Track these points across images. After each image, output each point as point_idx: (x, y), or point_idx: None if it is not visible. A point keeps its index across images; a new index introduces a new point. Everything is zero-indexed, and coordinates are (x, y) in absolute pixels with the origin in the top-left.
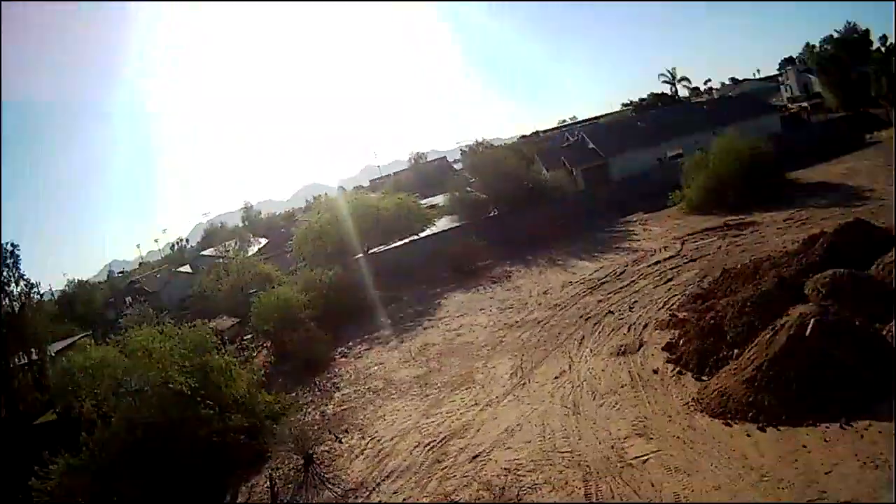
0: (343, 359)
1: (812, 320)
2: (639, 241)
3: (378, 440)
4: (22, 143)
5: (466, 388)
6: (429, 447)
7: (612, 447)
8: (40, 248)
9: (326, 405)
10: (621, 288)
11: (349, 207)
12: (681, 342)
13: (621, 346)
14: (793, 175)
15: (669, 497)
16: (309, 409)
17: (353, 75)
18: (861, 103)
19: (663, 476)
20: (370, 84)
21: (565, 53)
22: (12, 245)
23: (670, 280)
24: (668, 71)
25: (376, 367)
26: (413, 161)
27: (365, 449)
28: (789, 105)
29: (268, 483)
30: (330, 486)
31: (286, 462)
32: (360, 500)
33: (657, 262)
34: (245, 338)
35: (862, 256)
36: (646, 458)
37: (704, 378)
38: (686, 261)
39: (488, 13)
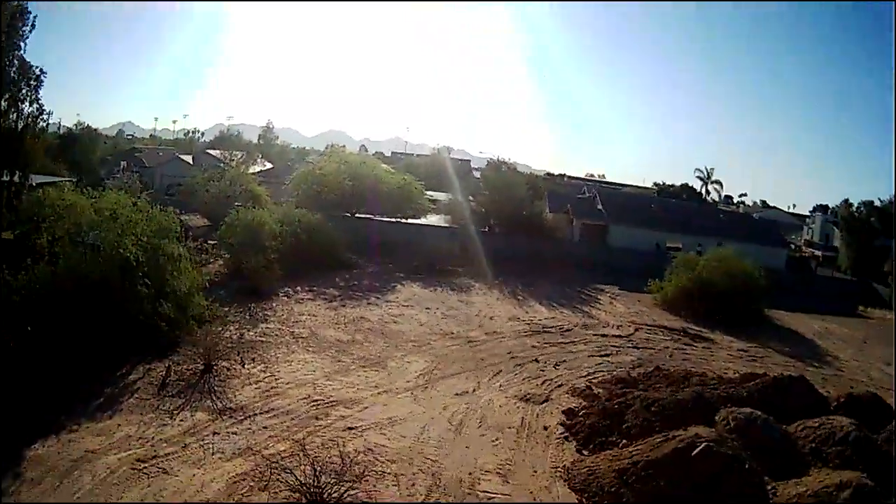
0: (285, 297)
1: (704, 444)
2: (600, 311)
3: (276, 378)
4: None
5: (375, 370)
6: (315, 403)
7: (470, 474)
8: (69, 82)
9: (249, 331)
10: (560, 343)
11: (356, 167)
12: (581, 412)
13: (529, 393)
14: (772, 313)
15: None
16: (232, 328)
17: (417, 54)
18: (871, 275)
19: None
20: (429, 69)
21: (625, 116)
22: (40, 70)
23: (607, 356)
24: (705, 169)
25: (308, 318)
26: (436, 152)
27: (260, 381)
28: (803, 248)
29: (164, 372)
30: (213, 397)
31: (189, 362)
32: (229, 420)
33: (604, 336)
34: (209, 242)
35: (789, 412)
36: (493, 497)
37: (585, 452)
38: (630, 346)
39: (567, 53)
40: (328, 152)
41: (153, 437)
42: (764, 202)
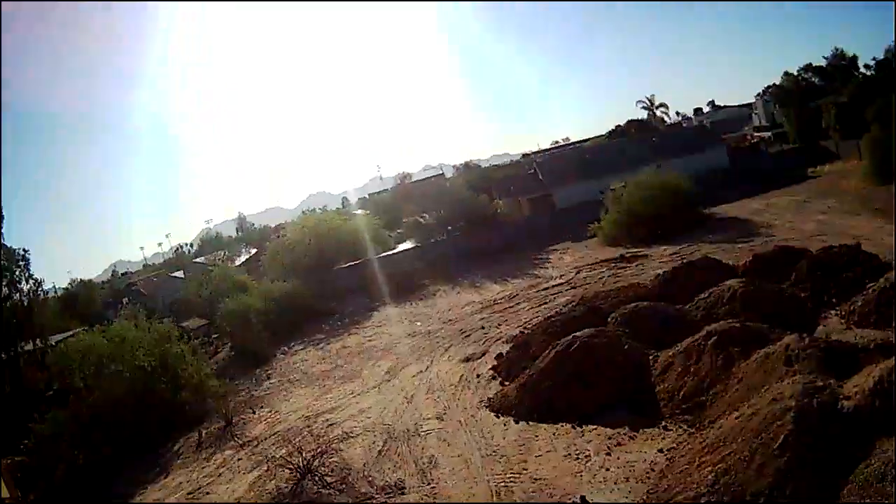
0: (282, 356)
1: (578, 341)
2: (547, 268)
3: (279, 412)
4: (38, 146)
5: (352, 381)
6: (307, 418)
7: (416, 424)
8: (51, 244)
9: (255, 389)
10: (505, 308)
11: (314, 227)
12: (506, 354)
13: (470, 354)
14: (714, 209)
15: (421, 453)
16: (242, 391)
17: (369, 87)
18: (815, 135)
19: (432, 443)
20: (385, 96)
21: (566, 74)
22: (24, 250)
23: (545, 304)
24: (647, 98)
25: (300, 363)
26: (400, 181)
27: (268, 418)
28: (751, 135)
29: (198, 436)
30: (235, 439)
31: (214, 424)
32: (248, 449)
33: (546, 288)
34: (213, 336)
35: (692, 293)
36: (431, 432)
37: (506, 384)
38: (568, 288)
39: (489, 36)
40: (300, 222)
41: (197, 478)
42: (712, 103)
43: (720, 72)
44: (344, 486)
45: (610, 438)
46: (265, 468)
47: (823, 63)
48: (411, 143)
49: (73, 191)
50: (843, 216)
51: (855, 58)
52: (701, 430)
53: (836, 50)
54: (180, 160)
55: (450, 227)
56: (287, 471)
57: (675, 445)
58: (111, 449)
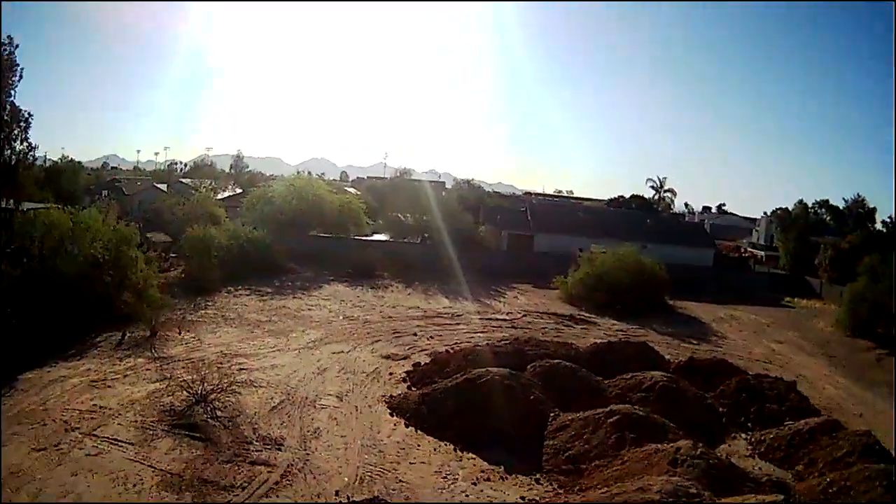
0: (226, 294)
1: (490, 375)
2: (500, 302)
3: (201, 341)
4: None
5: (278, 338)
6: (224, 355)
7: (316, 395)
8: (56, 119)
9: (190, 315)
10: (445, 324)
11: (300, 189)
12: (424, 365)
13: (393, 353)
14: (679, 303)
15: (310, 422)
16: (178, 312)
17: (403, 77)
18: (804, 269)
19: (323, 417)
20: (414, 91)
21: (592, 134)
22: (28, 113)
23: (482, 332)
24: (658, 178)
25: (239, 307)
26: (398, 175)
27: (189, 342)
28: (745, 248)
29: (120, 335)
30: (153, 351)
31: (140, 331)
32: (160, 363)
33: (489, 319)
34: (172, 255)
35: (620, 370)
36: (326, 407)
37: (413, 389)
38: (510, 326)
39: (530, 71)
40: (287, 180)
41: (105, 371)
42: (721, 207)
43: (743, 178)
44: (230, 424)
45: (483, 472)
46: (166, 384)
47: (841, 203)
48: (423, 145)
49: (93, 74)
50: (796, 352)
51: (873, 210)
52: (568, 493)
53: (858, 196)
54: (201, 81)
55: (426, 234)
56: (186, 393)
57: (537, 498)
58: (40, 320)
